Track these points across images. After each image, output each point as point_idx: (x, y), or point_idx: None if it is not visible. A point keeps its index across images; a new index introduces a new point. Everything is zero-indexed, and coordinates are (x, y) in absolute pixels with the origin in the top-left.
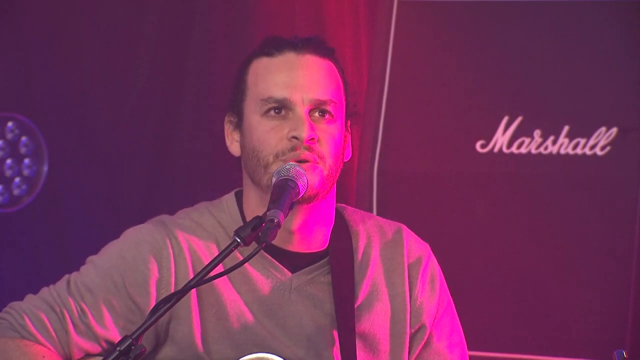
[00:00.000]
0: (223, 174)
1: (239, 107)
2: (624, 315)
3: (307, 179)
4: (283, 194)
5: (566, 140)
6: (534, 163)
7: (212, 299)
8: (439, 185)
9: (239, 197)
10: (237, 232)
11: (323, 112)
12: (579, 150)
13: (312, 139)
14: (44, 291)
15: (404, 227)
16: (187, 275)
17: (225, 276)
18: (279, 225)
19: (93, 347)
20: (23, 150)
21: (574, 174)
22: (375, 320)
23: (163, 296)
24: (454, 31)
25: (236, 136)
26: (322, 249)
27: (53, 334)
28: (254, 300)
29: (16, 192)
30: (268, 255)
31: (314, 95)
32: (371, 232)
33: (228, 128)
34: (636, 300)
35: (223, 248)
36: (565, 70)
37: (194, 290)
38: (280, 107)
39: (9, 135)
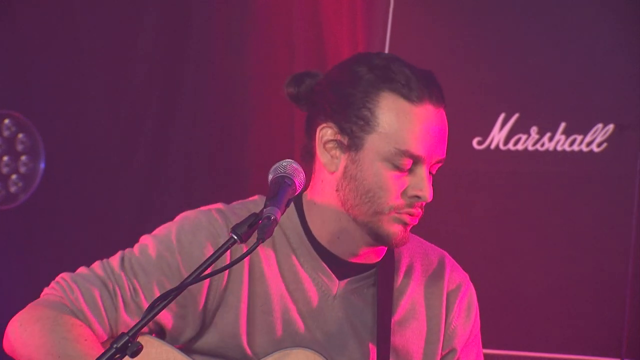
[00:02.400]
0: (220, 173)
1: (357, 134)
2: (620, 311)
3: (396, 232)
4: (280, 191)
5: (563, 137)
6: (530, 160)
7: (261, 290)
8: (436, 181)
9: (297, 198)
10: (233, 229)
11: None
12: (575, 147)
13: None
14: (97, 265)
15: (447, 254)
16: (242, 266)
17: (277, 271)
18: (276, 222)
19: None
20: (20, 147)
21: (571, 170)
22: (410, 337)
23: (216, 280)
24: (450, 28)
25: (339, 155)
26: (370, 262)
27: (103, 311)
28: (300, 300)
29: (13, 189)
30: (320, 260)
31: (440, 155)
32: (415, 254)
33: (327, 141)
34: (633, 296)
35: (277, 243)
36: (561, 67)
37: (246, 279)
38: (410, 162)
39: (6, 133)
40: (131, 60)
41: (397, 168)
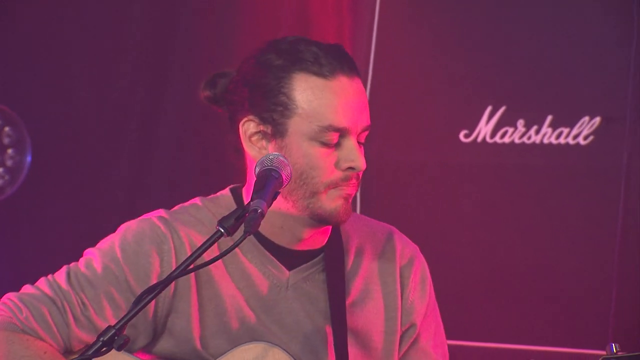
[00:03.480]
0: (205, 168)
1: (279, 121)
2: (606, 303)
3: (337, 207)
4: (267, 184)
5: (549, 130)
6: (517, 153)
7: (211, 293)
8: (423, 175)
9: (236, 195)
10: (220, 223)
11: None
12: (562, 140)
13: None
14: (43, 282)
15: (394, 229)
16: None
17: (224, 271)
18: (262, 215)
19: (94, 340)
20: (6, 140)
21: (557, 163)
22: (368, 317)
23: (164, 291)
24: (437, 22)
25: (265, 145)
26: (317, 247)
27: (54, 328)
28: (251, 296)
29: None
30: (267, 252)
31: (364, 123)
32: (363, 234)
33: (251, 134)
34: (619, 289)
35: (221, 243)
36: (548, 60)
37: (194, 284)
38: (336, 136)
39: None
40: (118, 55)
41: (325, 144)
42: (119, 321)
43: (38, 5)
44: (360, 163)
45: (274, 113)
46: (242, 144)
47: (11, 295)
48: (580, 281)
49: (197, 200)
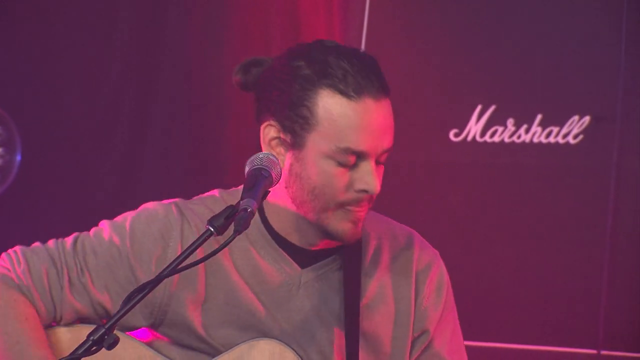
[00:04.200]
0: (197, 165)
1: (299, 133)
2: (596, 302)
3: (344, 228)
4: (257, 183)
5: (539, 129)
6: (507, 152)
7: (220, 284)
8: (413, 174)
9: None
10: (210, 222)
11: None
12: (552, 139)
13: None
14: (51, 242)
15: (415, 232)
16: (194, 257)
17: (234, 266)
18: (252, 214)
19: (86, 309)
20: None
21: (547, 162)
22: (379, 321)
23: (166, 280)
24: (427, 21)
25: (283, 152)
26: (333, 246)
27: (47, 288)
28: (262, 292)
29: None
30: (280, 249)
31: (385, 146)
32: (382, 235)
33: (271, 138)
34: (609, 288)
35: (234, 240)
36: (538, 59)
37: (202, 274)
38: (353, 158)
39: None
40: (107, 52)
41: (341, 164)
42: (109, 320)
43: (28, 5)
44: (374, 187)
45: (295, 124)
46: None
47: (17, 248)
48: (570, 280)
49: (215, 192)
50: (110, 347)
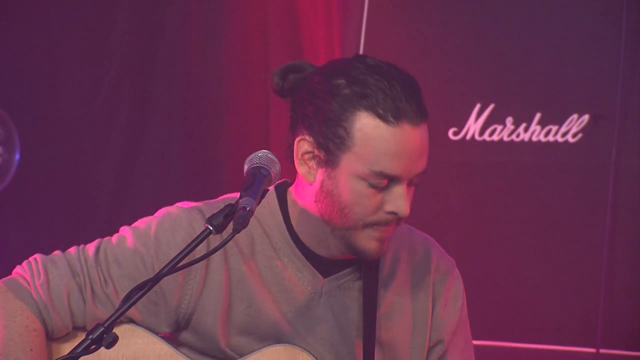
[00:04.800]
0: (196, 163)
1: (333, 151)
2: (595, 300)
3: (370, 247)
4: (256, 182)
5: (538, 128)
6: (506, 150)
7: (244, 294)
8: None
9: (281, 195)
10: (209, 220)
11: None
12: (550, 138)
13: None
14: (72, 251)
15: (433, 240)
16: (220, 268)
17: (258, 273)
18: (251, 213)
19: None
20: None
21: (546, 161)
22: (397, 330)
23: (192, 287)
24: (426, 20)
25: (316, 167)
26: (354, 256)
27: (67, 304)
28: (284, 301)
29: None
30: (304, 258)
31: (419, 170)
32: (400, 244)
33: (304, 152)
34: (607, 286)
35: (258, 244)
36: (537, 58)
37: (225, 284)
38: (386, 181)
39: None
40: (105, 50)
41: (373, 186)
42: (108, 319)
43: (26, 5)
44: (405, 210)
45: (331, 142)
46: (293, 157)
47: (38, 257)
48: (569, 278)
49: (237, 195)
50: (109, 346)
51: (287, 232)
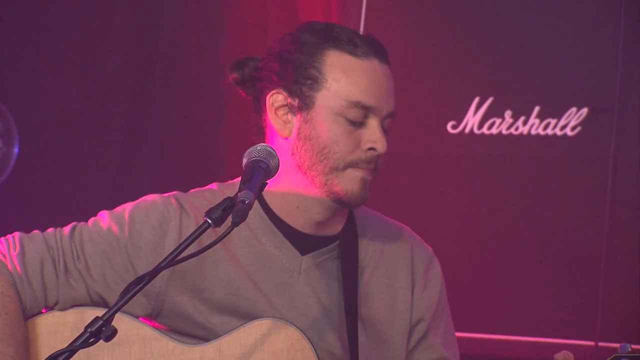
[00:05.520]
0: (195, 156)
1: (307, 94)
2: (594, 294)
3: (353, 188)
4: (254, 175)
5: (537, 121)
6: (505, 144)
7: (221, 273)
8: (410, 166)
9: None
10: (208, 213)
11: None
12: (549, 131)
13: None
14: (49, 231)
15: (408, 228)
16: (193, 248)
17: (236, 253)
18: (250, 206)
19: (82, 296)
20: None
21: (545, 154)
22: (378, 309)
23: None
24: (425, 11)
25: (291, 118)
26: (331, 235)
27: (40, 274)
28: (263, 279)
29: None
30: (282, 235)
31: (390, 107)
32: (377, 228)
33: (278, 107)
34: (606, 280)
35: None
36: (536, 51)
37: (201, 266)
38: (362, 114)
39: None
40: (104, 44)
41: (350, 122)
42: (107, 312)
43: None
44: (383, 145)
45: (303, 86)
46: (266, 120)
47: (16, 233)
48: (568, 271)
49: (213, 185)
50: (108, 338)
51: (262, 211)
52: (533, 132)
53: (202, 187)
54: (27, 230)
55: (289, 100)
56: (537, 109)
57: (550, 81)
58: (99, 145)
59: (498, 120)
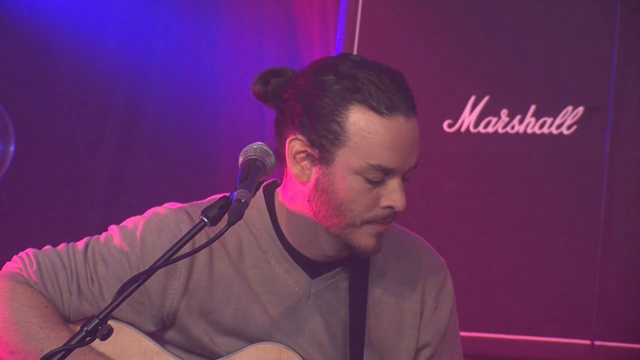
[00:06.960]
0: (190, 156)
1: (328, 148)
2: (590, 292)
3: (368, 243)
4: (250, 174)
5: (533, 120)
6: (500, 142)
7: (230, 296)
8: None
9: (268, 195)
10: (204, 212)
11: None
12: (545, 130)
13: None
14: (62, 247)
15: (424, 242)
16: (205, 270)
17: (246, 274)
18: (246, 205)
19: (92, 314)
20: None
21: (541, 153)
22: (385, 330)
23: (175, 287)
24: (421, 11)
25: (309, 166)
26: (341, 256)
27: (58, 289)
28: (272, 302)
29: None
30: (291, 259)
31: (413, 163)
32: (391, 244)
33: (297, 152)
34: (602, 278)
35: (246, 245)
36: (531, 50)
37: (210, 284)
38: (382, 174)
39: None
40: (100, 44)
41: (369, 181)
42: (103, 311)
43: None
44: (402, 204)
45: (324, 139)
46: (284, 154)
47: (29, 250)
48: (563, 270)
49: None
50: (103, 337)
51: (275, 234)
52: (529, 130)
53: (214, 195)
54: (23, 229)
55: (309, 150)
56: (532, 107)
57: (546, 80)
58: (95, 144)
59: (494, 119)
